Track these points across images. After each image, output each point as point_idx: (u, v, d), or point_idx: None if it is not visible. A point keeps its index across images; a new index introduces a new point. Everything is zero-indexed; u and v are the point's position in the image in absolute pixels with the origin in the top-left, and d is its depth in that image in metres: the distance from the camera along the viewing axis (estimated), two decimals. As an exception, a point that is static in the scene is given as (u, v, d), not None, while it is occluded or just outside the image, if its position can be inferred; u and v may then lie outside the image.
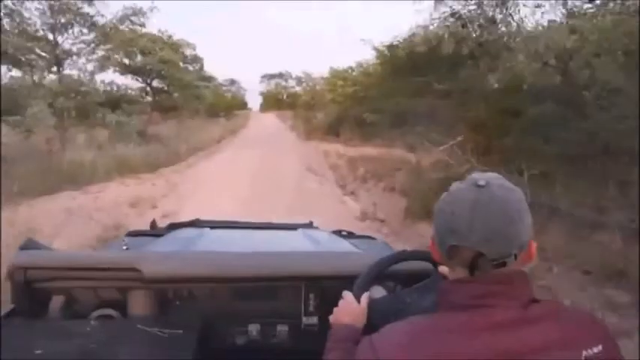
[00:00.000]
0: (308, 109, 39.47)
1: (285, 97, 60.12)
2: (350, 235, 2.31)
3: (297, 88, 55.32)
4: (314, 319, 1.33)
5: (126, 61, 17.65)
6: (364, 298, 1.06)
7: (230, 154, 16.14)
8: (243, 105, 59.90)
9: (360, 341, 0.82)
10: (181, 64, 18.87)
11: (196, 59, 18.69)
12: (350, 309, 1.04)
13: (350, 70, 17.89)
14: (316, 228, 2.49)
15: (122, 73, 18.70)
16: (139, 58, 16.99)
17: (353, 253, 1.72)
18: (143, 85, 19.08)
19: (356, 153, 13.26)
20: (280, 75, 62.64)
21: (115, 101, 12.15)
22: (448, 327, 0.72)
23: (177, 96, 17.97)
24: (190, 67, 19.11)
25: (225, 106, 42.72)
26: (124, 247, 1.63)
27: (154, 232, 2.21)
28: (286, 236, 2.24)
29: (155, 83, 19.10)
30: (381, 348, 0.75)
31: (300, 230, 2.28)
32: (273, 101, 60.69)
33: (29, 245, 1.33)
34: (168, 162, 13.65)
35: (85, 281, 1.28)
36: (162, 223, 2.42)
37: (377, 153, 13.25)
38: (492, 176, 0.77)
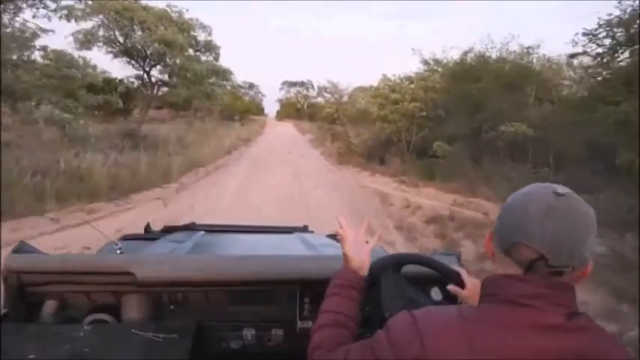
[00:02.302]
0: (331, 122, 35.68)
1: (305, 106, 56.73)
2: None
3: (319, 99, 52.02)
4: (309, 324, 1.28)
5: (121, 38, 13.64)
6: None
7: (239, 177, 11.84)
8: (259, 110, 56.51)
9: (397, 315, 0.80)
10: (191, 51, 14.73)
11: (211, 47, 14.49)
12: (359, 253, 1.03)
13: (407, 82, 13.64)
14: (311, 232, 2.46)
15: (116, 55, 14.71)
16: (138, 35, 12.90)
17: None
18: (140, 72, 15.02)
19: (430, 201, 8.92)
20: (302, 83, 59.25)
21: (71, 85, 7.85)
22: (499, 321, 0.72)
23: (183, 91, 13.72)
24: (203, 57, 14.96)
25: (242, 109, 39.11)
26: (118, 251, 1.52)
27: (149, 235, 2.17)
28: (282, 240, 2.19)
29: (157, 73, 15.02)
30: (425, 328, 0.73)
31: (295, 234, 2.27)
32: (291, 110, 57.20)
33: (22, 249, 1.30)
34: (149, 183, 9.42)
35: (78, 285, 1.25)
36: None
37: (457, 203, 8.92)
38: (569, 190, 0.76)
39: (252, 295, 1.34)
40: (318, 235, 2.33)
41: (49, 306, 1.24)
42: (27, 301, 1.24)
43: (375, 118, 13.68)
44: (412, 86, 13.17)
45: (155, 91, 14.96)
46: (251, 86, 56.99)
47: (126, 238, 2.08)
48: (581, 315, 0.73)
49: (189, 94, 13.93)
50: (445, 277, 1.18)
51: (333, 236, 2.21)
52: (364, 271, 1.03)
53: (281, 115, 58.86)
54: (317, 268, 1.32)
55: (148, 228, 2.34)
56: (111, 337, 1.13)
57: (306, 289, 1.32)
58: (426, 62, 15.44)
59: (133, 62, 14.56)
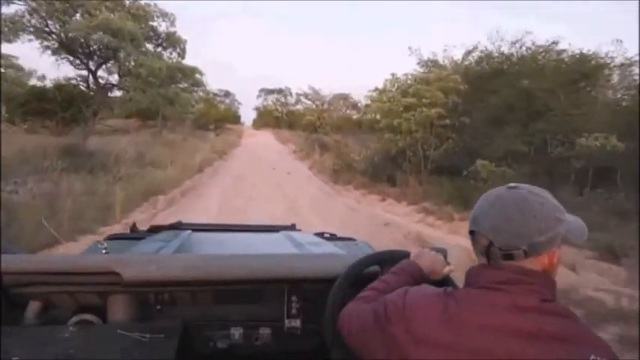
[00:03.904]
0: (313, 131, 33.19)
1: (284, 114, 54.26)
2: (332, 238, 2.27)
3: (298, 106, 49.65)
4: (297, 322, 1.29)
5: (56, 27, 10.56)
6: (447, 269, 1.13)
7: (212, 208, 8.88)
8: (236, 119, 53.66)
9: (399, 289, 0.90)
10: (150, 47, 11.77)
11: (173, 40, 11.54)
12: (434, 260, 1.11)
13: (422, 84, 11.01)
14: (299, 230, 2.46)
15: (54, 52, 11.62)
16: (76, 22, 9.87)
17: (336, 255, 1.65)
18: (85, 73, 11.93)
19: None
20: (280, 90, 56.66)
21: None
22: (476, 301, 0.77)
23: (138, 95, 10.71)
24: (165, 54, 12.00)
25: (217, 117, 36.31)
26: (104, 251, 1.51)
27: (135, 235, 2.16)
28: (269, 238, 2.18)
29: (107, 74, 11.95)
30: (410, 300, 0.83)
31: (282, 232, 2.27)
32: (269, 118, 54.56)
33: (4, 249, 1.30)
34: (78, 227, 6.39)
35: (63, 286, 1.22)
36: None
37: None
38: (528, 185, 0.84)
39: (239, 294, 1.33)
40: (306, 233, 2.31)
41: (33, 307, 1.20)
42: (10, 303, 1.19)
43: (382, 127, 10.99)
44: (427, 88, 10.56)
45: (105, 96, 11.87)
46: (227, 94, 54.12)
47: (112, 237, 2.06)
48: (557, 302, 0.78)
49: (145, 99, 10.91)
50: (398, 260, 1.16)
51: (321, 234, 2.24)
52: (430, 274, 1.08)
53: (258, 124, 56.18)
54: (305, 267, 1.32)
55: (134, 227, 2.27)
56: (96, 337, 1.10)
57: (293, 288, 1.30)
58: (425, 64, 13.08)
59: (75, 60, 11.54)
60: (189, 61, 19.33)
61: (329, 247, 1.85)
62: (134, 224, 2.32)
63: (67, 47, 10.99)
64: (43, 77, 16.73)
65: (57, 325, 1.15)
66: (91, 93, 12.08)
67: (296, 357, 1.23)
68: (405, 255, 1.17)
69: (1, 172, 7.54)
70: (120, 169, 10.38)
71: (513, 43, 11.45)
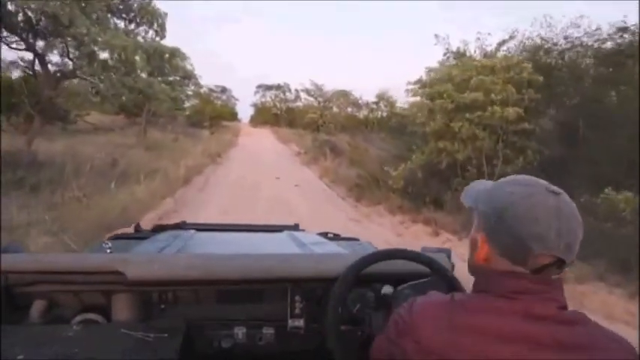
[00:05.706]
0: (315, 129, 30.86)
1: (283, 111, 51.61)
2: (336, 237, 2.27)
3: (298, 103, 47.10)
4: (300, 322, 1.29)
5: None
6: None
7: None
8: (233, 116, 50.93)
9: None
10: (121, 23, 8.85)
11: (147, 12, 8.61)
12: None
13: (482, 73, 8.17)
14: (302, 230, 2.45)
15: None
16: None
17: (339, 255, 1.62)
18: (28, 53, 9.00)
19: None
20: (278, 86, 53.78)
21: None
22: (488, 308, 0.73)
23: (92, 83, 7.82)
24: (140, 32, 9.08)
25: (213, 114, 33.70)
26: (108, 250, 1.50)
27: (139, 234, 2.17)
28: (272, 238, 2.18)
29: (60, 57, 9.03)
30: (417, 309, 0.79)
31: (285, 232, 2.27)
32: (267, 115, 51.86)
33: (9, 249, 1.29)
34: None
35: (67, 285, 1.22)
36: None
37: None
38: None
39: (242, 293, 1.33)
40: (309, 233, 2.29)
41: (37, 306, 1.20)
42: (14, 302, 1.18)
43: (430, 132, 8.16)
44: (495, 79, 7.73)
45: (55, 87, 8.94)
46: (224, 90, 51.26)
47: (116, 237, 2.08)
48: (574, 310, 0.75)
49: (106, 91, 8.00)
50: (436, 273, 1.18)
51: (325, 234, 2.24)
52: None
53: (256, 121, 53.51)
54: (308, 266, 1.32)
55: (138, 227, 2.30)
56: (100, 337, 1.09)
57: (297, 288, 1.30)
58: (454, 55, 10.35)
59: (17, 38, 8.63)
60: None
61: (332, 247, 1.85)
62: (137, 224, 2.31)
63: (5, 22, 8.07)
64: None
65: (61, 324, 1.15)
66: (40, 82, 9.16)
67: (299, 357, 1.24)
68: (405, 253, 1.17)
69: None
70: (72, 188, 7.57)
71: (570, 26, 8.93)
